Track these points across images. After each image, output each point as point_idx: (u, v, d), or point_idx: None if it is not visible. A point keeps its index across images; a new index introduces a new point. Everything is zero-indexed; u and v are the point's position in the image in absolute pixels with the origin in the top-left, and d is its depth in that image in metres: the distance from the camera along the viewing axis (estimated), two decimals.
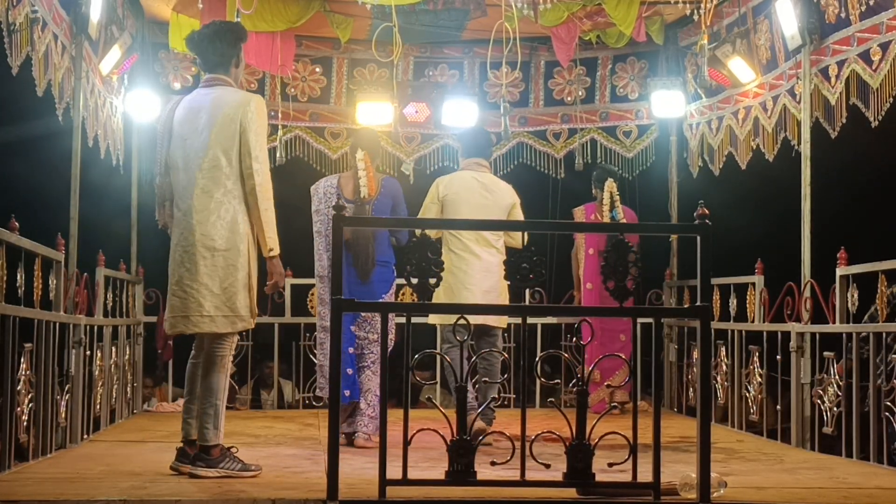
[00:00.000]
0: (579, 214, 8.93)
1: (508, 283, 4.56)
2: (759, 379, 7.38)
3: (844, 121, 6.69)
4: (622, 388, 8.42)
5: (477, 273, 6.81)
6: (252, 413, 8.97)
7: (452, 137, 9.50)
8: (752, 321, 7.52)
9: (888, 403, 5.79)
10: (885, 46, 6.19)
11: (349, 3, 8.25)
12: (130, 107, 8.45)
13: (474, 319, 6.73)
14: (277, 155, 9.13)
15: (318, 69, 9.48)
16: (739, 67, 7.86)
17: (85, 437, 6.74)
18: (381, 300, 6.60)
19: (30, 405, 5.65)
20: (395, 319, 6.12)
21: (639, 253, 4.55)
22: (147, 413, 8.71)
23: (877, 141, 7.71)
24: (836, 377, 6.38)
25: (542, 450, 4.54)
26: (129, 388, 8.27)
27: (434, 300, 6.55)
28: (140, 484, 4.89)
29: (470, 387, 6.52)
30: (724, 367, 7.98)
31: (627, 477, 4.46)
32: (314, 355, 8.33)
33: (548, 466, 4.43)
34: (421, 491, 4.42)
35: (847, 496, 4.89)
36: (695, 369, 8.40)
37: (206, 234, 5.12)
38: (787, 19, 7.06)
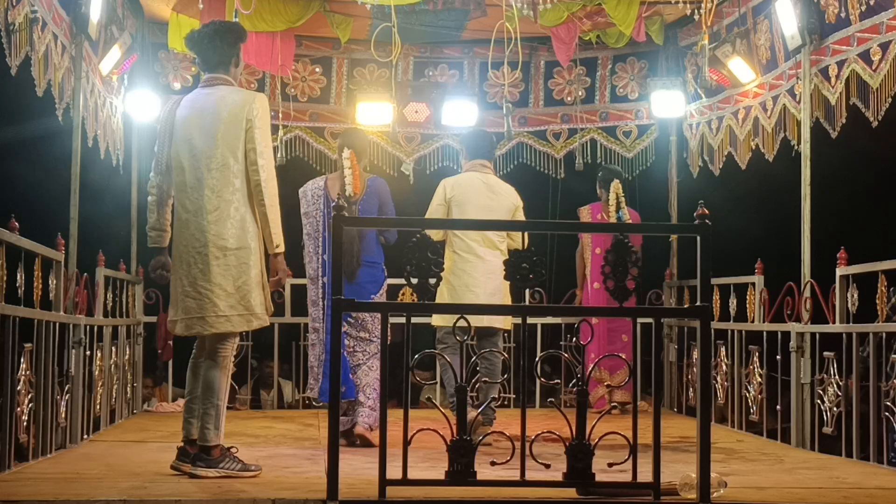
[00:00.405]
0: (585, 214, 8.93)
1: (509, 283, 4.56)
2: (759, 379, 7.38)
3: (844, 121, 6.69)
4: (623, 388, 8.43)
5: (481, 276, 6.81)
6: (252, 413, 8.97)
7: (452, 137, 9.50)
8: (752, 321, 7.52)
9: (888, 403, 5.79)
10: (884, 46, 6.19)
11: (349, 3, 8.26)
12: (130, 107, 8.45)
13: (479, 322, 6.76)
14: (278, 155, 9.11)
15: (318, 69, 9.48)
16: (739, 67, 7.86)
17: (85, 437, 6.74)
18: (370, 300, 6.59)
19: (30, 405, 5.65)
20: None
21: (639, 253, 4.55)
22: (147, 413, 8.71)
23: (877, 141, 7.72)
24: (837, 377, 6.38)
25: (542, 450, 4.54)
26: (129, 388, 8.27)
27: (437, 300, 6.61)
28: (140, 484, 4.89)
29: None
30: (724, 367, 7.98)
31: (627, 477, 4.46)
32: None
33: (548, 466, 4.44)
34: (421, 491, 4.42)
35: (847, 496, 4.89)
36: (695, 369, 8.40)
37: (218, 234, 5.12)
38: (787, 19, 7.06)
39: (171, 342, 8.85)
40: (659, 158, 9.55)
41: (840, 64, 6.66)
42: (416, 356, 4.51)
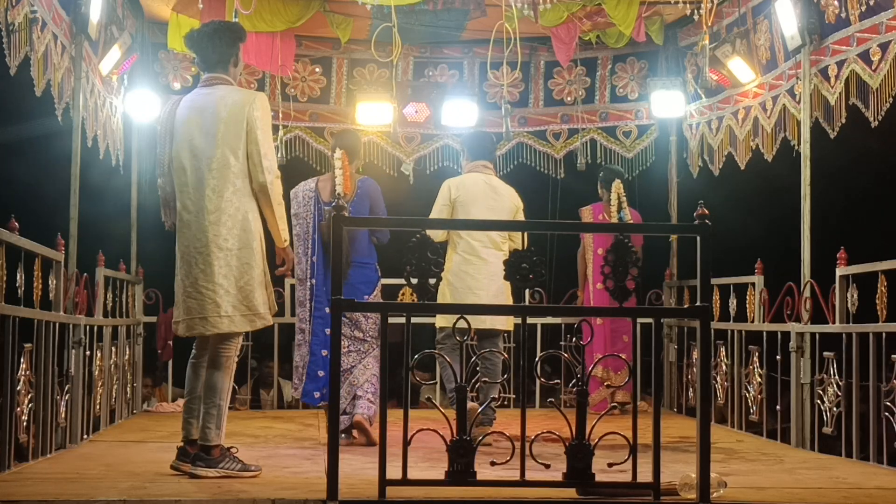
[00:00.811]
0: (587, 214, 8.92)
1: (509, 283, 4.56)
2: (759, 379, 7.38)
3: (844, 121, 6.69)
4: (623, 389, 8.42)
5: (484, 278, 6.80)
6: (252, 413, 8.97)
7: (452, 138, 9.50)
8: (752, 321, 7.52)
9: (888, 403, 5.79)
10: (884, 46, 6.19)
11: (349, 3, 8.26)
12: (130, 107, 8.45)
13: (481, 324, 6.75)
14: (278, 155, 9.10)
15: (317, 69, 9.48)
16: (739, 67, 7.86)
17: (85, 437, 6.74)
18: (363, 301, 6.60)
19: (30, 405, 5.65)
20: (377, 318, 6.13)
21: (640, 253, 4.55)
22: (147, 413, 8.71)
23: (877, 141, 7.72)
24: (836, 377, 6.38)
25: (542, 450, 4.54)
26: (129, 388, 8.28)
27: (440, 301, 6.62)
28: (140, 484, 4.89)
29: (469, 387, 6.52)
30: (724, 368, 7.98)
31: (627, 477, 4.46)
32: None
33: (548, 466, 4.43)
34: (421, 491, 4.42)
35: (847, 496, 4.89)
36: (695, 369, 8.40)
37: (219, 235, 5.12)
38: (787, 19, 7.06)
39: (170, 342, 8.85)
40: (659, 158, 9.55)
41: (840, 64, 6.66)
42: (416, 356, 4.51)
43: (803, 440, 6.73)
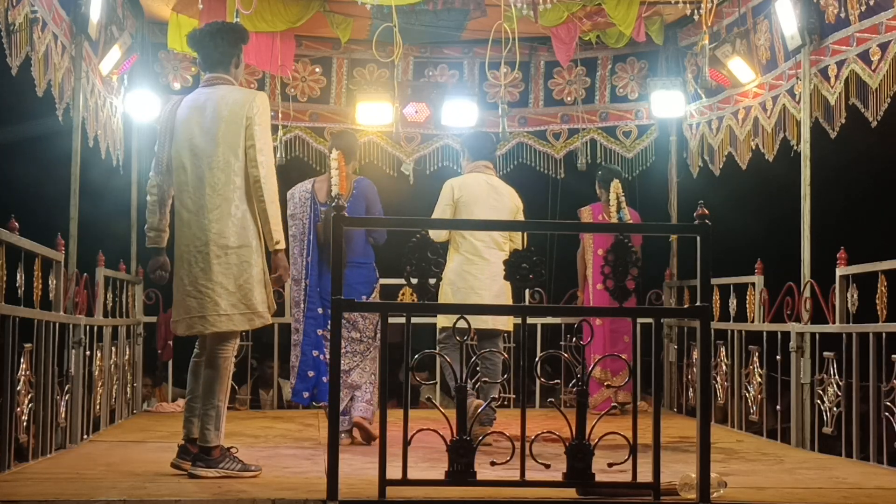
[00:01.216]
0: (586, 215, 8.91)
1: (509, 283, 4.56)
2: (759, 379, 7.38)
3: (844, 121, 6.69)
4: (624, 389, 8.41)
5: (487, 278, 6.80)
6: (252, 413, 8.97)
7: (452, 138, 9.50)
8: (752, 321, 7.52)
9: (888, 403, 5.79)
10: (884, 46, 6.19)
11: (349, 3, 8.25)
12: (130, 107, 8.45)
13: (483, 324, 6.76)
14: (278, 155, 9.10)
15: (318, 69, 9.48)
16: (739, 67, 7.87)
17: (85, 437, 6.74)
18: (362, 301, 6.60)
19: (30, 405, 5.65)
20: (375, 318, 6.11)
21: (639, 253, 4.55)
22: (147, 413, 8.71)
23: (876, 141, 7.72)
24: (836, 377, 6.38)
25: (542, 450, 4.54)
26: (129, 388, 8.28)
27: (442, 301, 6.63)
28: (140, 484, 4.89)
29: (470, 386, 6.52)
30: (724, 368, 7.98)
31: (627, 477, 4.46)
32: None
33: (548, 466, 4.44)
34: (421, 491, 4.42)
35: (847, 496, 4.89)
36: (695, 369, 8.40)
37: (219, 233, 5.12)
38: (787, 19, 7.07)
39: (170, 342, 8.85)
40: (659, 158, 9.55)
41: (840, 64, 6.66)
42: (416, 356, 4.51)
43: (803, 440, 6.73)
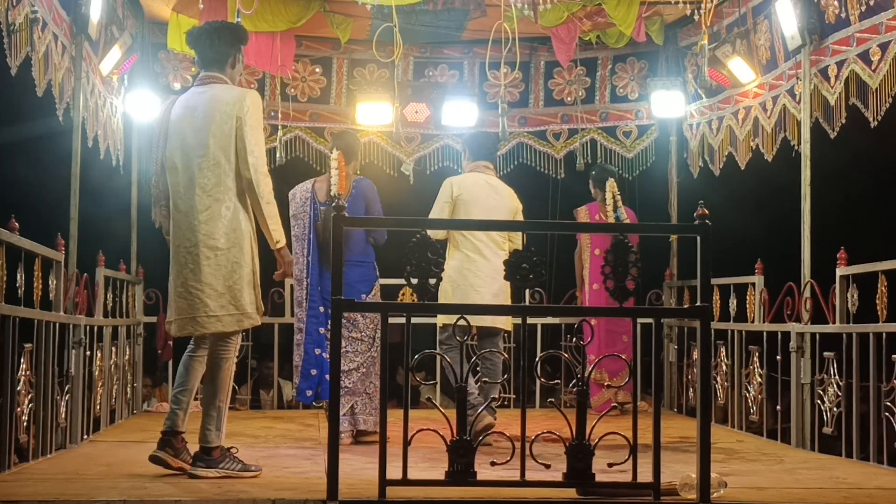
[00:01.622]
0: (583, 215, 8.89)
1: (509, 283, 4.56)
2: (759, 379, 7.38)
3: (844, 121, 6.69)
4: (624, 389, 8.41)
5: (487, 276, 6.81)
6: (252, 413, 8.97)
7: (453, 138, 9.50)
8: (752, 321, 7.52)
9: (888, 403, 5.79)
10: (884, 47, 6.19)
11: (349, 3, 8.26)
12: (130, 107, 8.45)
13: (483, 322, 6.76)
14: (277, 155, 9.14)
15: (318, 69, 9.48)
16: (739, 67, 7.86)
17: (85, 437, 6.74)
18: (361, 300, 6.61)
19: (30, 405, 5.65)
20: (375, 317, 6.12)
21: (639, 253, 4.55)
22: (147, 413, 8.70)
23: (876, 141, 7.72)
24: (837, 377, 6.38)
25: (542, 450, 4.54)
26: (129, 388, 8.28)
27: (442, 299, 6.64)
28: (140, 484, 4.89)
29: (473, 385, 6.53)
30: (724, 368, 7.98)
31: (627, 477, 4.46)
32: None
33: (548, 466, 4.44)
34: (421, 491, 4.42)
35: (847, 496, 4.89)
36: (695, 369, 8.40)
37: (208, 234, 5.12)
38: (787, 19, 7.07)
39: (170, 342, 8.84)
40: (659, 159, 9.55)
41: (840, 64, 6.66)
42: (416, 356, 4.51)
43: (803, 440, 6.73)
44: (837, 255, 6.44)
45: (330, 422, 4.48)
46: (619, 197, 8.70)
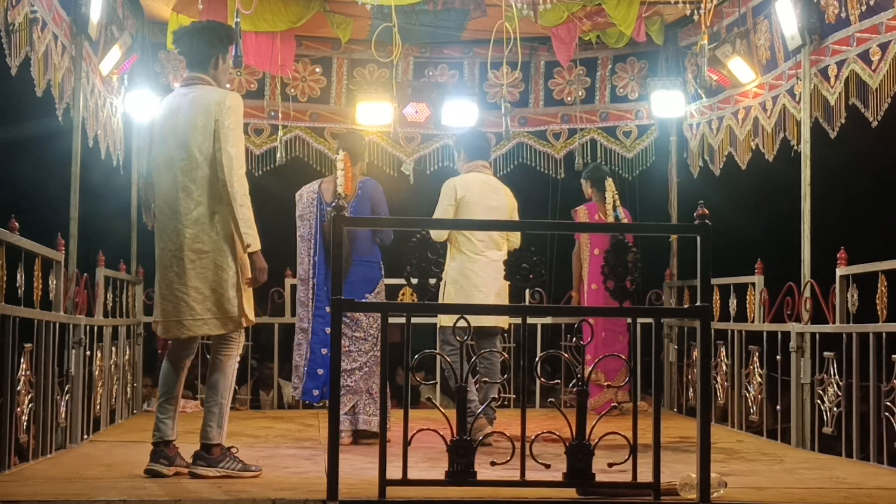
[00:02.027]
0: (581, 215, 8.88)
1: (509, 283, 4.56)
2: (759, 379, 7.38)
3: (844, 121, 6.69)
4: (624, 389, 8.40)
5: (489, 276, 6.81)
6: (252, 413, 8.98)
7: (452, 138, 9.49)
8: (752, 321, 7.52)
9: (888, 403, 5.79)
10: (884, 46, 6.19)
11: (349, 3, 8.26)
12: (130, 107, 8.45)
13: (483, 321, 6.76)
14: (278, 155, 9.14)
15: (318, 69, 9.48)
16: (739, 67, 7.86)
17: (85, 437, 6.74)
18: (365, 300, 6.62)
19: (30, 405, 5.65)
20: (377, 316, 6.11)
21: (638, 253, 4.55)
22: (147, 413, 8.69)
23: (876, 141, 7.72)
24: (837, 377, 6.38)
25: (542, 450, 4.54)
26: (129, 388, 8.28)
27: (445, 300, 6.63)
28: (140, 484, 4.89)
29: (472, 387, 6.53)
30: (724, 368, 7.98)
31: (627, 477, 4.46)
32: None
33: (548, 466, 4.44)
34: (421, 491, 4.42)
35: (847, 496, 4.89)
36: (695, 369, 8.40)
37: (193, 237, 5.10)
38: (787, 19, 7.07)
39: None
40: (659, 158, 9.55)
41: (840, 64, 6.66)
42: (416, 356, 4.51)
43: (803, 440, 6.73)
44: (837, 255, 6.44)
45: (330, 421, 4.48)
46: (617, 196, 8.70)
